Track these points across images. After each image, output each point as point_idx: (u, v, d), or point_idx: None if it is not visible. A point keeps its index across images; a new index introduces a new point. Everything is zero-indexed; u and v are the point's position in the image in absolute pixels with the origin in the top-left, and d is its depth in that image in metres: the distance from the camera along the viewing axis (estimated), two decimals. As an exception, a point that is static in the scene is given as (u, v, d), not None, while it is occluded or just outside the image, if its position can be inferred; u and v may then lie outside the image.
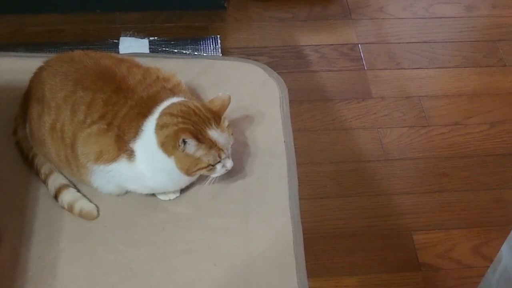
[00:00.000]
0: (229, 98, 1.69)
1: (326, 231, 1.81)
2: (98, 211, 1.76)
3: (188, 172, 1.65)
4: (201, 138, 1.60)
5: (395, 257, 1.77)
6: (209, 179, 1.72)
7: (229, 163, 1.69)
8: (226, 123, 1.68)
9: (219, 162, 1.66)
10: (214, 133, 1.62)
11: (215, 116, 1.65)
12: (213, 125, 1.63)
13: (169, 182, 1.73)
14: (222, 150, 1.64)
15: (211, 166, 1.65)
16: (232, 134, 1.70)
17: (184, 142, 1.58)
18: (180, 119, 1.61)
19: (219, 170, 1.68)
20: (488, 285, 1.37)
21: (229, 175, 1.81)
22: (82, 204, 1.74)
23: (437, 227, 1.85)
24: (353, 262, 1.75)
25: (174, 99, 1.68)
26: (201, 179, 1.78)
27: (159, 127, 1.62)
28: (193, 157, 1.62)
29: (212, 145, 1.62)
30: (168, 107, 1.65)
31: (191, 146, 1.59)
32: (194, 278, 1.66)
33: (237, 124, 1.98)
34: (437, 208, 1.89)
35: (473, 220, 1.88)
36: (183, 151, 1.60)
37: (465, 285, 1.71)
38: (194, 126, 1.61)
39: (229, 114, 1.71)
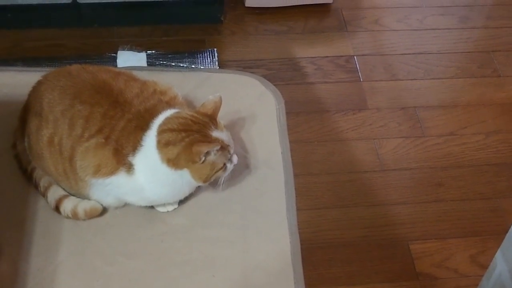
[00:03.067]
0: (220, 98, 1.72)
1: (324, 241, 1.82)
2: (102, 206, 1.77)
3: (206, 180, 1.67)
4: (210, 143, 1.63)
5: (392, 267, 1.78)
6: (221, 184, 1.74)
7: (235, 158, 1.72)
8: (221, 122, 1.71)
9: (229, 159, 1.69)
10: (217, 134, 1.66)
11: (211, 119, 1.68)
12: (212, 127, 1.66)
13: (170, 194, 1.74)
14: (229, 146, 1.68)
15: (225, 166, 1.68)
16: (227, 130, 1.73)
17: (207, 153, 1.61)
18: (183, 134, 1.63)
19: (229, 167, 1.71)
20: (483, 292, 1.38)
21: (227, 186, 1.82)
22: (84, 205, 1.75)
23: (433, 237, 1.86)
24: (350, 272, 1.76)
25: (168, 112, 1.70)
26: (199, 190, 1.80)
27: (162, 144, 1.63)
28: (210, 163, 1.64)
29: (221, 144, 1.65)
30: (165, 123, 1.66)
31: (213, 154, 1.62)
32: (192, 289, 1.66)
33: (234, 136, 1.99)
34: (433, 217, 1.90)
35: (470, 229, 1.89)
36: (203, 162, 1.63)
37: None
38: (200, 133, 1.63)
39: (226, 125, 1.72)
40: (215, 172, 1.68)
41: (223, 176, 1.73)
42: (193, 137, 1.63)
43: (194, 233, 1.77)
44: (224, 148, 1.66)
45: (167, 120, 1.67)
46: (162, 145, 1.64)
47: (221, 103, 1.72)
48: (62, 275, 1.66)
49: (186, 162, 1.64)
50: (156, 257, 1.71)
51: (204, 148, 1.61)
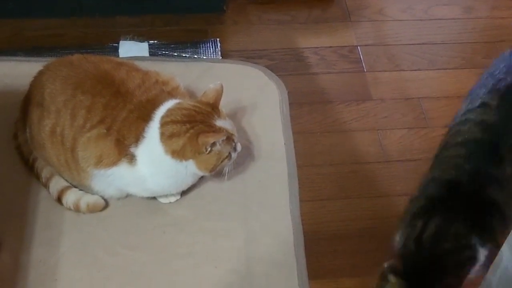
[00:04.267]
0: (222, 86, 1.71)
1: (327, 233, 1.81)
2: (105, 200, 1.77)
3: (212, 169, 1.67)
4: (215, 133, 1.63)
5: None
6: (226, 173, 1.74)
7: (238, 146, 1.73)
8: (223, 110, 1.70)
9: (234, 147, 1.68)
10: (221, 123, 1.65)
11: (214, 108, 1.67)
12: (215, 116, 1.65)
13: (173, 185, 1.73)
14: (234, 135, 1.68)
15: (229, 155, 1.68)
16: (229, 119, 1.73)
17: (213, 144, 1.60)
18: (188, 125, 1.62)
19: (233, 156, 1.71)
20: (489, 285, 1.37)
21: (230, 177, 1.82)
22: (87, 199, 1.75)
23: (437, 228, 1.85)
24: (354, 263, 1.75)
25: (170, 103, 1.69)
26: (201, 181, 1.79)
27: (167, 137, 1.63)
28: (216, 153, 1.64)
29: (226, 133, 1.64)
30: (168, 114, 1.65)
31: (218, 144, 1.62)
32: (195, 281, 1.66)
33: (237, 127, 1.98)
34: (437, 209, 1.89)
35: (474, 221, 1.88)
36: (209, 153, 1.62)
37: (467, 287, 1.71)
38: (204, 124, 1.62)
39: (229, 116, 1.71)
40: (221, 162, 1.67)
41: (228, 164, 1.72)
42: (198, 128, 1.62)
43: (197, 225, 1.77)
44: (229, 137, 1.66)
45: (170, 111, 1.66)
46: (166, 137, 1.63)
47: (222, 91, 1.71)
48: (64, 267, 1.66)
49: (192, 153, 1.63)
50: (158, 249, 1.71)
51: (211, 139, 1.61)
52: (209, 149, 1.62)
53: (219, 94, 1.71)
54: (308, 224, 1.81)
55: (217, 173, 1.74)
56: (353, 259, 1.76)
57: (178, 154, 1.63)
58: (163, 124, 1.63)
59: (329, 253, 1.76)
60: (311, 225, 1.81)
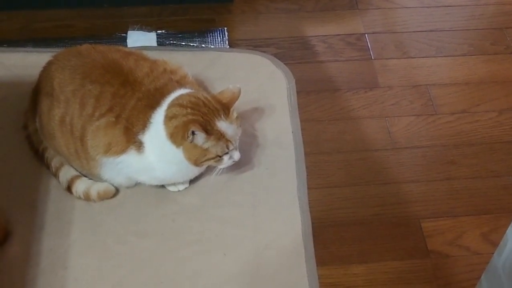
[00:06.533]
0: (239, 90, 1.70)
1: (335, 220, 1.81)
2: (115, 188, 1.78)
3: (196, 163, 1.66)
4: (209, 129, 1.61)
5: (403, 245, 1.77)
6: (217, 170, 1.74)
7: (236, 155, 1.70)
8: (234, 115, 1.69)
9: (226, 153, 1.67)
10: (223, 124, 1.64)
11: (224, 108, 1.66)
12: (222, 116, 1.64)
13: (178, 173, 1.74)
14: (230, 142, 1.65)
15: (219, 157, 1.66)
16: (240, 126, 1.71)
17: (193, 133, 1.60)
18: (189, 110, 1.62)
19: (226, 161, 1.69)
20: (494, 269, 1.37)
21: (238, 166, 1.82)
22: (97, 187, 1.76)
23: (445, 215, 1.85)
24: (362, 250, 1.75)
25: (182, 91, 1.70)
26: (210, 170, 1.80)
27: (168, 118, 1.63)
28: (201, 148, 1.63)
29: (220, 136, 1.63)
30: (177, 98, 1.66)
31: (200, 137, 1.61)
32: (204, 268, 1.67)
33: (245, 115, 1.99)
34: (445, 195, 1.89)
35: (482, 207, 1.87)
36: (191, 142, 1.61)
37: (474, 272, 1.71)
38: (204, 117, 1.62)
39: (237, 105, 1.71)
40: (206, 159, 1.66)
41: (219, 166, 1.71)
42: (195, 117, 1.61)
43: (205, 213, 1.78)
44: (219, 138, 1.64)
45: (181, 96, 1.67)
46: (168, 118, 1.63)
47: (239, 95, 1.70)
48: (75, 255, 1.68)
49: (180, 139, 1.62)
50: (167, 237, 1.73)
51: (192, 126, 1.58)
52: (190, 137, 1.61)
53: (234, 96, 1.69)
54: (316, 211, 1.82)
55: (208, 170, 1.76)
56: (361, 246, 1.77)
57: (172, 137, 1.63)
58: (170, 106, 1.64)
59: (337, 240, 1.77)
60: (319, 212, 1.82)
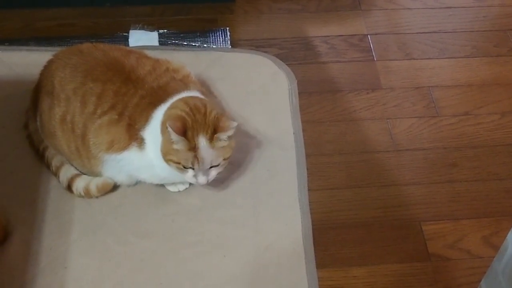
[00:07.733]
0: (233, 130, 1.64)
1: (335, 222, 1.81)
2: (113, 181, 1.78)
3: (164, 157, 1.63)
4: (189, 135, 1.59)
5: (404, 248, 1.76)
6: (183, 184, 1.78)
7: (200, 179, 1.65)
8: (221, 144, 1.63)
9: (191, 168, 1.64)
10: (202, 142, 1.60)
11: (215, 131, 1.62)
12: (207, 136, 1.61)
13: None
14: (198, 161, 1.61)
15: (182, 167, 1.63)
16: (224, 159, 1.66)
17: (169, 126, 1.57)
18: (187, 109, 1.62)
19: (189, 177, 1.65)
20: (494, 274, 1.37)
21: (238, 167, 1.82)
22: (96, 181, 1.76)
23: (446, 218, 1.84)
24: (362, 252, 1.75)
25: (193, 93, 1.69)
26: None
27: (169, 108, 1.63)
28: (171, 145, 1.60)
29: (192, 148, 1.60)
30: (188, 96, 1.66)
31: (172, 134, 1.58)
32: (204, 269, 1.67)
33: (246, 116, 1.99)
34: (446, 198, 1.88)
35: (483, 210, 1.87)
36: (165, 133, 1.59)
37: (475, 276, 1.70)
38: (192, 122, 1.60)
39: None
40: (171, 160, 1.62)
41: (185, 178, 1.67)
42: (186, 116, 1.60)
43: (206, 213, 1.78)
44: (190, 149, 1.59)
45: (191, 97, 1.66)
46: (169, 108, 1.62)
47: (231, 133, 1.63)
48: (74, 254, 1.68)
49: (164, 128, 1.60)
50: (167, 237, 1.72)
51: (171, 122, 1.56)
52: (168, 128, 1.56)
53: (226, 128, 1.62)
54: (316, 213, 1.82)
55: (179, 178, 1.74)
56: (361, 248, 1.76)
57: (162, 124, 1.61)
58: (177, 100, 1.64)
59: (337, 242, 1.77)
60: (319, 214, 1.82)
